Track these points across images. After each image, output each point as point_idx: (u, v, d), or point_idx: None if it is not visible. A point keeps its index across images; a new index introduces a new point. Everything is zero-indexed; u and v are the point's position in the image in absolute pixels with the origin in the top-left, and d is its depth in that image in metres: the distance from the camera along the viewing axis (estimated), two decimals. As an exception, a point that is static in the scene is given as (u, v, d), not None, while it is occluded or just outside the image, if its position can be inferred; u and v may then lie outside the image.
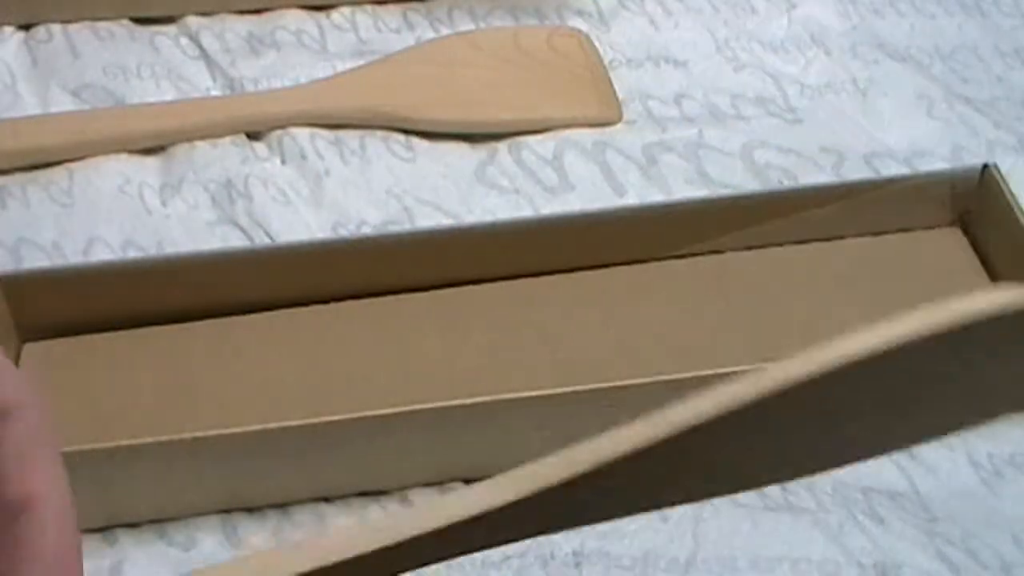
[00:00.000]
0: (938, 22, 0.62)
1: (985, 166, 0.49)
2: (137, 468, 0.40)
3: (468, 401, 0.41)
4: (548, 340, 0.46)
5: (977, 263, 0.49)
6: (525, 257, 0.48)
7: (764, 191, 0.52)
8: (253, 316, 0.47)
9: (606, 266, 0.49)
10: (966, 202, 0.50)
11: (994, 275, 0.49)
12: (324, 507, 0.43)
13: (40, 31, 0.60)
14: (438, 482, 0.43)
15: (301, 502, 0.43)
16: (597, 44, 0.60)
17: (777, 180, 0.54)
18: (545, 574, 0.41)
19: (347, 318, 0.47)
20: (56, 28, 0.60)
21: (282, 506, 0.43)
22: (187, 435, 0.40)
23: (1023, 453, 0.45)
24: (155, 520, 0.42)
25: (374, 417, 0.41)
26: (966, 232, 0.50)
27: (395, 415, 0.41)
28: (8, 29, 0.60)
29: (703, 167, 0.54)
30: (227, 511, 0.43)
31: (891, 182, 0.49)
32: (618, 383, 0.42)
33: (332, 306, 0.47)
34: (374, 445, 0.42)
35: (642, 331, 0.47)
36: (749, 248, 0.49)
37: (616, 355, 0.45)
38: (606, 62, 0.59)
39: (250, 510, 0.43)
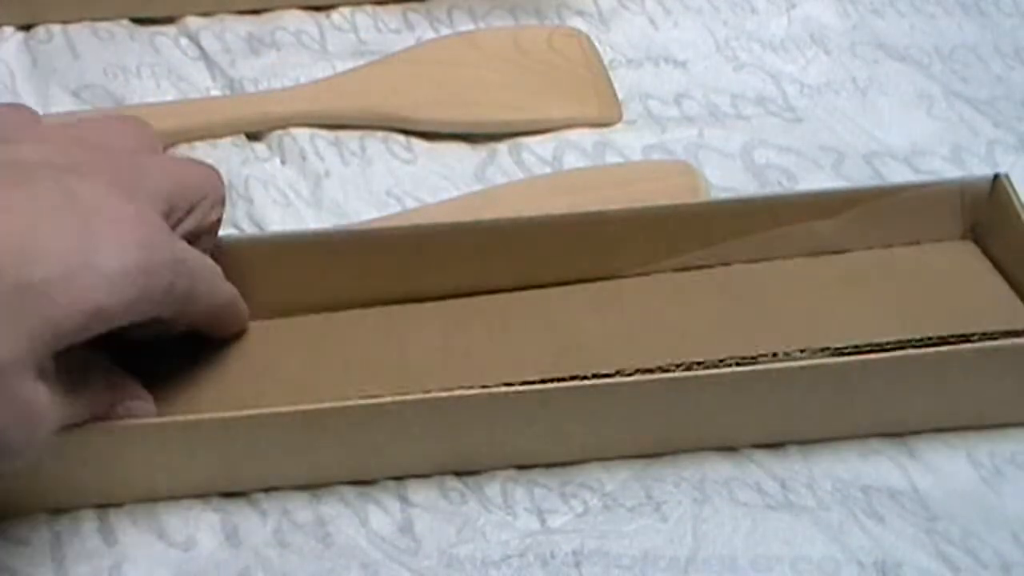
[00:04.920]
0: (938, 22, 0.62)
1: (996, 176, 0.48)
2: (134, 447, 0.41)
3: (467, 392, 0.41)
4: (549, 338, 0.47)
5: (995, 274, 0.48)
6: (525, 256, 0.48)
7: (768, 196, 0.52)
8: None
9: (606, 266, 0.49)
10: (976, 213, 0.49)
11: (1015, 286, 0.47)
12: (324, 508, 0.43)
13: (40, 31, 0.60)
14: (435, 473, 0.44)
15: (302, 504, 0.43)
16: (597, 44, 0.60)
17: (777, 180, 0.54)
18: (545, 574, 0.41)
19: (349, 314, 0.47)
20: (56, 28, 0.60)
21: (283, 508, 0.43)
22: (179, 417, 0.41)
23: (1023, 452, 0.45)
24: (151, 505, 0.42)
25: (371, 406, 0.41)
26: (978, 243, 0.49)
27: (394, 404, 0.41)
28: (8, 29, 0.60)
29: (703, 167, 0.54)
30: (227, 511, 0.43)
31: (901, 190, 0.48)
32: (610, 380, 0.43)
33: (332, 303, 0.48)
34: (371, 433, 0.42)
35: (642, 330, 0.47)
36: (752, 261, 0.49)
37: (615, 351, 0.46)
38: (606, 62, 0.59)
39: (250, 510, 0.43)
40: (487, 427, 0.42)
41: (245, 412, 0.40)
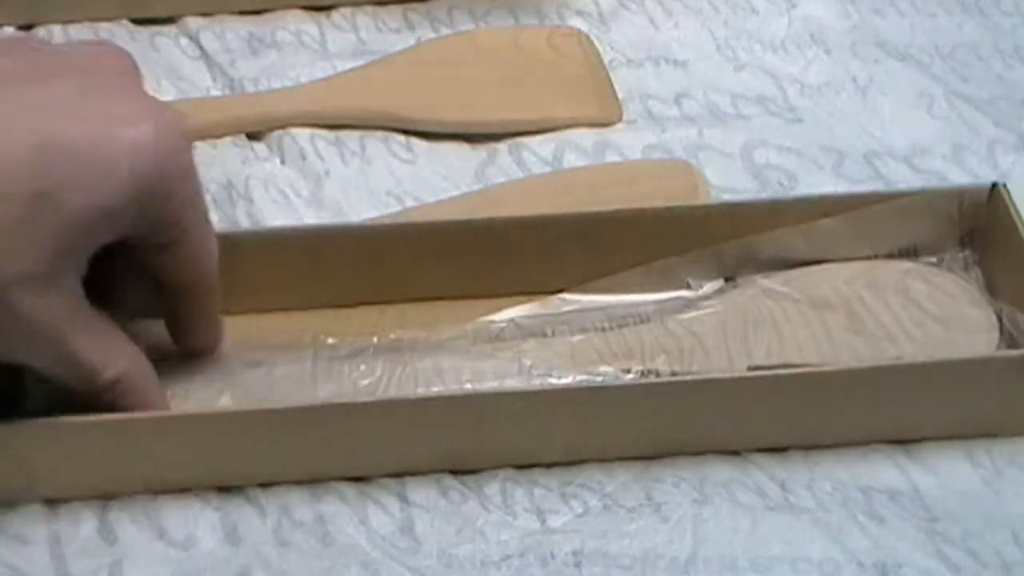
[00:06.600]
0: (938, 21, 0.62)
1: (994, 184, 0.48)
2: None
3: (458, 393, 0.42)
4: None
5: (980, 282, 0.48)
6: (524, 255, 0.48)
7: (767, 199, 0.52)
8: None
9: (605, 266, 0.49)
10: (974, 220, 0.48)
11: (996, 294, 0.48)
12: (323, 507, 0.43)
13: (40, 31, 0.60)
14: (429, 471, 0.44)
15: (302, 502, 0.43)
16: (597, 44, 0.60)
17: (777, 180, 0.54)
18: (545, 574, 0.41)
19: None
20: (56, 28, 0.60)
21: (283, 506, 0.43)
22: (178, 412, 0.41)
23: (1023, 452, 0.45)
24: (151, 503, 0.43)
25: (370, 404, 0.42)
26: (973, 251, 0.49)
27: (393, 402, 0.42)
28: (8, 29, 0.60)
29: (703, 167, 0.54)
30: (227, 510, 0.43)
31: (899, 196, 0.48)
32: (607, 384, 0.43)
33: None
34: (370, 430, 0.42)
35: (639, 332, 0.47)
36: (752, 264, 0.49)
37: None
38: (606, 62, 0.59)
39: (250, 508, 0.43)
40: (487, 426, 0.42)
41: (245, 408, 0.41)
